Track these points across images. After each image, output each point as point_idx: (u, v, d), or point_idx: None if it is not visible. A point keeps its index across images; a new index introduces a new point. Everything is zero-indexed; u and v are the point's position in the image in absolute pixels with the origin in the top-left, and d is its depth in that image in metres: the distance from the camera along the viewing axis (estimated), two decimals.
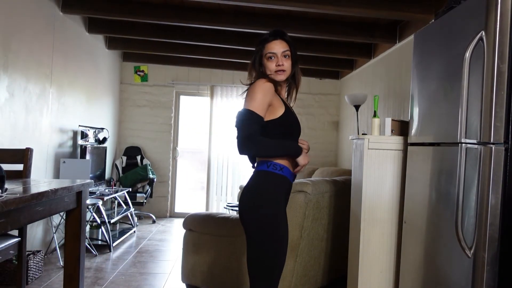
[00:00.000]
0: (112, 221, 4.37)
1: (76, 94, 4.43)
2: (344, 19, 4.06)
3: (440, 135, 2.02)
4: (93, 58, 4.91)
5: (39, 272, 3.25)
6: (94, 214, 4.13)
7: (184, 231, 3.11)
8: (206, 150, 6.22)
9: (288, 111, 1.85)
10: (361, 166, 2.55)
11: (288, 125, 1.85)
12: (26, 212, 1.80)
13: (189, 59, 5.74)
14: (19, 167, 2.55)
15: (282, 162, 1.81)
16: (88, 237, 4.08)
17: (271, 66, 1.83)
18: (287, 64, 1.84)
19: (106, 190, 4.59)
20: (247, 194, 1.79)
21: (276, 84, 1.86)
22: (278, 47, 1.83)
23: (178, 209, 6.34)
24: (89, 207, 4.04)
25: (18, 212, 1.74)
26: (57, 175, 3.96)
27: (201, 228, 2.99)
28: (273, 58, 1.82)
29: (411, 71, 2.37)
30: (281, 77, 1.84)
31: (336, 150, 6.31)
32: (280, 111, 1.82)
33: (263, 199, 1.75)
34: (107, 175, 5.42)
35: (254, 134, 1.73)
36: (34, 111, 3.55)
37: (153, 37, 4.69)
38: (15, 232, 2.34)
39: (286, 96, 1.96)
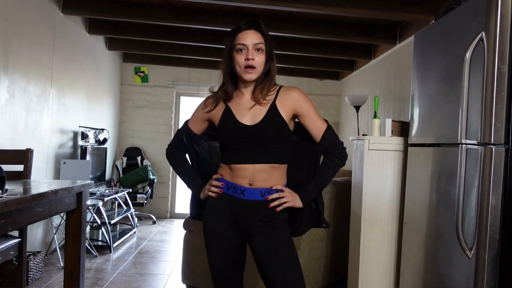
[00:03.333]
0: (112, 222, 4.37)
1: (76, 95, 4.43)
2: (345, 20, 4.06)
3: (441, 136, 2.02)
4: (93, 59, 4.91)
5: (40, 273, 3.25)
6: (94, 215, 4.13)
7: (184, 232, 3.11)
8: None
9: (224, 120, 1.63)
10: (362, 166, 2.55)
11: (221, 137, 1.65)
12: (26, 213, 1.81)
13: (190, 60, 5.74)
14: (20, 167, 2.55)
15: (221, 170, 1.67)
16: (88, 238, 4.08)
17: (240, 59, 1.57)
18: (258, 59, 1.57)
19: (107, 191, 4.59)
20: None
21: (234, 88, 1.66)
22: (250, 38, 1.57)
23: (178, 210, 6.34)
24: (90, 208, 4.03)
25: (19, 213, 1.74)
26: (57, 176, 3.96)
27: (201, 228, 2.99)
28: (243, 50, 1.57)
29: (412, 71, 2.37)
30: (250, 76, 1.57)
31: None
32: (217, 122, 1.66)
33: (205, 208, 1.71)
34: (107, 176, 5.42)
35: (170, 145, 1.82)
36: (34, 112, 3.55)
37: (153, 38, 4.69)
38: (15, 233, 2.34)
39: (254, 95, 1.64)
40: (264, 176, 1.59)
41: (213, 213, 1.65)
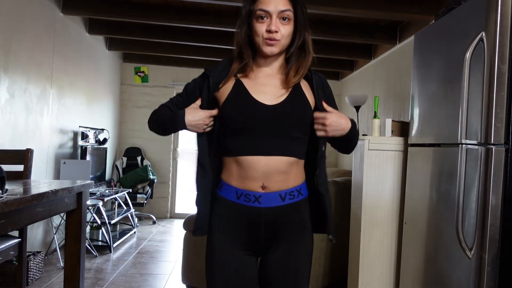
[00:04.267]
0: (112, 222, 4.37)
1: (76, 95, 4.43)
2: (345, 20, 4.06)
3: (441, 136, 2.02)
4: (93, 59, 4.91)
5: (40, 273, 3.25)
6: (94, 215, 4.13)
7: (184, 232, 3.11)
8: None
9: (233, 97, 1.29)
10: (362, 167, 2.55)
11: (228, 118, 1.29)
12: (26, 213, 1.81)
13: (190, 60, 5.74)
14: (20, 168, 2.55)
15: (224, 176, 1.34)
16: (88, 238, 4.08)
17: (260, 29, 1.26)
18: (284, 31, 1.26)
19: (107, 191, 4.59)
20: None
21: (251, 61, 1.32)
22: (275, 3, 1.25)
23: (178, 210, 6.34)
24: (90, 208, 4.03)
25: (19, 213, 1.74)
26: (57, 176, 3.96)
27: None
28: (264, 18, 1.25)
29: (412, 72, 2.37)
30: (271, 49, 1.27)
31: (337, 151, 6.31)
32: (222, 100, 1.31)
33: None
34: (107, 176, 5.42)
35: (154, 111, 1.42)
36: (34, 112, 3.55)
37: (153, 38, 4.69)
38: (15, 233, 2.34)
39: (287, 75, 1.33)
40: (280, 176, 1.28)
41: (222, 236, 1.32)
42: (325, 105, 1.30)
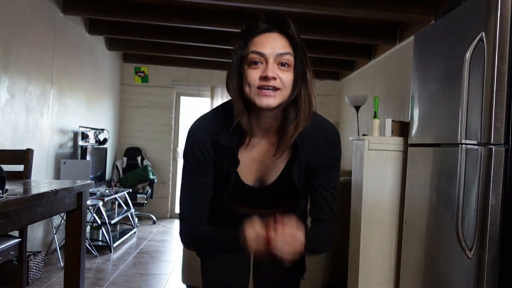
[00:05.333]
0: (112, 222, 4.37)
1: (76, 95, 4.43)
2: (345, 20, 4.06)
3: (441, 136, 2.02)
4: (93, 59, 4.91)
5: (40, 273, 3.25)
6: (94, 215, 4.13)
7: None
8: None
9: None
10: (362, 167, 2.55)
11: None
12: (26, 213, 1.81)
13: (190, 60, 5.74)
14: (20, 168, 2.55)
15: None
16: (88, 238, 4.08)
17: (252, 76, 1.02)
18: (285, 78, 1.02)
19: (107, 191, 4.59)
20: None
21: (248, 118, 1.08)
22: (271, 45, 1.02)
23: (178, 210, 6.33)
24: (90, 208, 4.04)
25: (19, 213, 1.74)
26: (57, 176, 3.96)
27: None
28: (258, 63, 1.02)
29: (411, 72, 2.37)
30: (267, 101, 1.01)
31: None
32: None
33: None
34: (107, 176, 5.42)
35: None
36: (34, 112, 3.55)
37: (153, 38, 4.69)
38: (15, 233, 2.34)
39: (282, 138, 1.09)
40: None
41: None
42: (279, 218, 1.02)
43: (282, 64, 1.02)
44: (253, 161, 1.14)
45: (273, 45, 1.02)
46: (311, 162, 1.13)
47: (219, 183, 1.17)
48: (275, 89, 1.01)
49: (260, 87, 1.01)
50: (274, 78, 1.01)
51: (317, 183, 1.12)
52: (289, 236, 0.99)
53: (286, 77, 1.02)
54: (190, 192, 1.16)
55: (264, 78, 1.00)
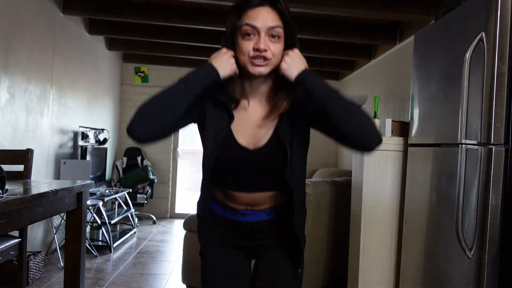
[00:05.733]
0: (112, 222, 4.37)
1: (76, 95, 4.43)
2: (345, 20, 4.06)
3: (441, 136, 2.02)
4: (93, 59, 4.91)
5: (40, 273, 3.25)
6: (94, 215, 4.13)
7: (184, 232, 3.11)
8: None
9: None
10: (362, 167, 2.55)
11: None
12: (26, 213, 1.81)
13: (190, 60, 5.74)
14: (20, 168, 2.55)
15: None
16: (88, 238, 4.08)
17: (245, 46, 1.13)
18: (275, 49, 1.14)
19: (107, 191, 4.59)
20: None
21: (242, 83, 1.21)
22: (263, 18, 1.13)
23: (178, 210, 6.34)
24: (90, 208, 4.04)
25: (19, 213, 1.74)
26: (57, 176, 3.96)
27: None
28: (251, 35, 1.13)
29: (411, 72, 2.37)
30: (259, 69, 1.14)
31: (336, 151, 6.31)
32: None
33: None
34: (107, 176, 5.42)
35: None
36: (34, 112, 3.55)
37: (153, 38, 4.69)
38: (15, 233, 2.34)
39: (276, 104, 1.21)
40: (265, 201, 1.26)
41: (213, 238, 1.33)
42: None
43: (273, 36, 1.14)
44: (247, 124, 1.21)
45: (264, 18, 1.13)
46: (305, 108, 1.22)
47: (211, 150, 1.20)
48: (266, 59, 1.13)
49: (253, 57, 1.13)
50: (265, 50, 1.13)
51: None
52: (296, 53, 1.16)
53: (275, 48, 1.15)
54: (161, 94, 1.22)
55: (257, 49, 1.12)
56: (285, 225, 1.28)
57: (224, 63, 1.16)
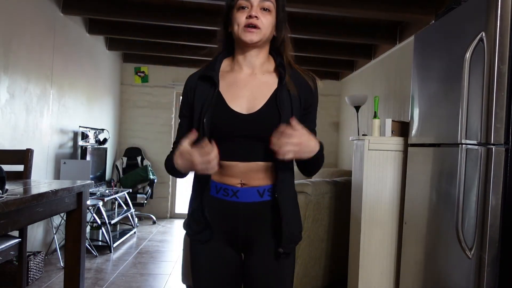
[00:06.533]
0: (112, 222, 4.37)
1: (76, 95, 4.43)
2: (345, 20, 4.06)
3: (441, 136, 2.02)
4: (93, 59, 4.91)
5: (40, 273, 3.25)
6: (94, 215, 4.13)
7: (184, 231, 3.10)
8: None
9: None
10: (362, 167, 2.55)
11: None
12: (26, 213, 1.81)
13: (190, 60, 5.73)
14: (20, 168, 2.55)
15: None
16: (88, 238, 4.08)
17: (240, 17, 1.26)
18: (265, 20, 1.26)
19: (107, 191, 4.59)
20: None
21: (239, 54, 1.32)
22: None
23: (178, 210, 6.34)
24: (90, 208, 4.03)
25: (19, 213, 1.74)
26: (57, 176, 3.96)
27: None
28: (245, 8, 1.27)
29: (412, 72, 2.37)
30: (250, 36, 1.25)
31: (337, 151, 6.31)
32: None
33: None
34: (107, 176, 5.42)
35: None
36: (34, 112, 3.55)
37: (153, 38, 4.69)
38: (15, 233, 2.34)
39: (260, 71, 1.32)
40: (260, 175, 1.27)
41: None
42: (294, 122, 1.14)
43: (264, 9, 1.27)
44: (241, 91, 1.29)
45: None
46: (301, 97, 1.33)
47: (198, 120, 1.27)
48: (257, 27, 1.25)
49: (245, 25, 1.25)
50: (256, 18, 1.25)
51: (305, 124, 1.22)
52: (308, 135, 1.17)
53: (266, 20, 1.27)
54: (180, 125, 1.41)
55: (249, 17, 1.25)
56: (276, 214, 1.27)
57: (197, 167, 1.17)
